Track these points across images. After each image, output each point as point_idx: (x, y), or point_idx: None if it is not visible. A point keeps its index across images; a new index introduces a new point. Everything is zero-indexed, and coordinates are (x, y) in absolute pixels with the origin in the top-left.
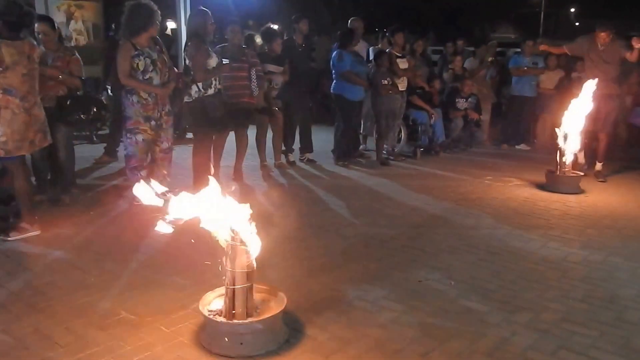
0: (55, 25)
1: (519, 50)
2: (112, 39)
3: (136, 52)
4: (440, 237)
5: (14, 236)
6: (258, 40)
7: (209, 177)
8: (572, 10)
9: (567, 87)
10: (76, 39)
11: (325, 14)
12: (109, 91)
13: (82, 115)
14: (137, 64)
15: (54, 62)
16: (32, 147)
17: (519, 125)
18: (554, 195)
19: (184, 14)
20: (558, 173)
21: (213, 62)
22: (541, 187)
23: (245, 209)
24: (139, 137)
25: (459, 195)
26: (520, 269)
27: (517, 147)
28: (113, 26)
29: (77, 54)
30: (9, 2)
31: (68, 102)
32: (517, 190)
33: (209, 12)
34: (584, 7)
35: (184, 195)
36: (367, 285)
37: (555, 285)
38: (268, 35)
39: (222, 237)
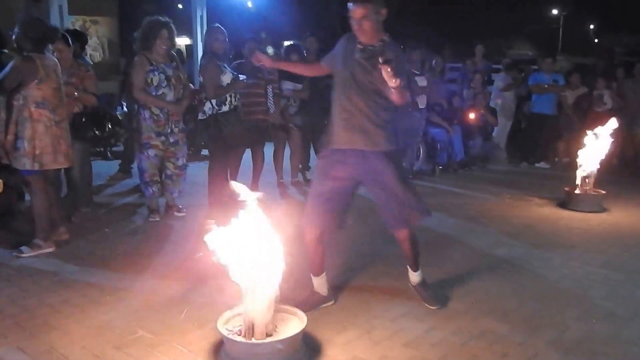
0: (70, 41)
1: (536, 67)
2: (129, 55)
3: (151, 68)
4: (459, 255)
5: (27, 253)
6: (270, 51)
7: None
8: (592, 26)
9: (587, 105)
10: (91, 55)
11: (340, 31)
12: (124, 107)
13: (96, 132)
14: (152, 79)
15: (69, 78)
16: (67, 161)
17: (538, 143)
18: (575, 213)
19: (199, 30)
20: (579, 191)
21: (227, 78)
22: (562, 205)
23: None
24: (151, 152)
25: (478, 213)
26: (540, 287)
27: (536, 165)
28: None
29: (91, 70)
30: (33, 19)
31: (83, 120)
32: (537, 209)
33: (223, 29)
34: (602, 23)
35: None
36: (387, 304)
37: (576, 304)
38: (286, 52)
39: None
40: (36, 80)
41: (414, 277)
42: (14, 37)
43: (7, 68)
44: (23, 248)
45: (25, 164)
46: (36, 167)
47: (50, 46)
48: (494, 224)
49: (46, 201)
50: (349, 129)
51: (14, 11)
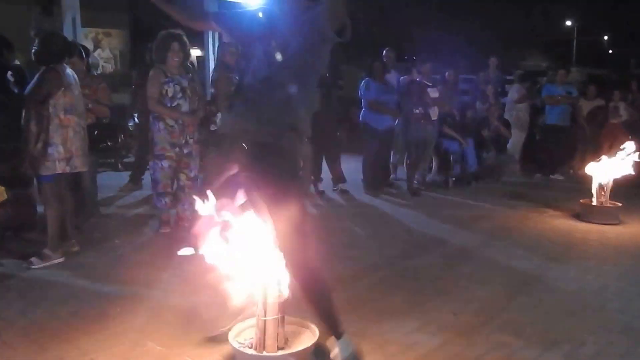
0: (83, 54)
1: (546, 78)
2: (141, 67)
3: (166, 79)
4: (473, 269)
5: (37, 264)
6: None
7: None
8: (605, 37)
9: (602, 117)
10: (103, 67)
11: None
12: (136, 118)
13: (109, 143)
14: (167, 90)
15: (82, 90)
16: (87, 165)
17: (552, 155)
18: (590, 225)
19: (211, 42)
20: (595, 203)
21: None
22: (577, 217)
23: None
24: (165, 163)
25: (492, 226)
26: (555, 300)
27: (551, 176)
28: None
29: (104, 82)
30: (53, 34)
31: (96, 132)
32: (552, 221)
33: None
34: (617, 34)
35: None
36: (399, 317)
37: (592, 317)
38: None
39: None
40: (62, 89)
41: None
42: (33, 50)
43: (35, 81)
44: (33, 259)
45: (56, 167)
46: (67, 169)
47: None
48: (508, 236)
49: (59, 211)
50: None
51: (27, 24)
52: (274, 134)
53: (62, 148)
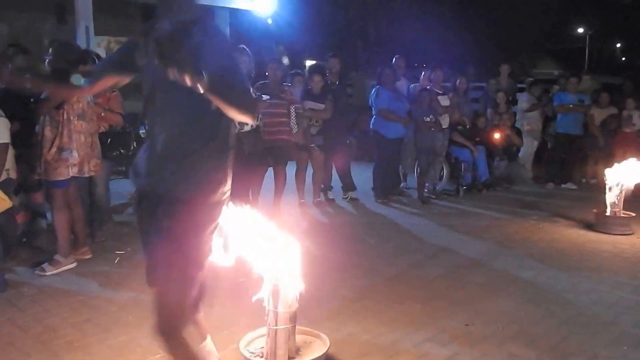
0: (96, 62)
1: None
2: None
3: None
4: (484, 279)
5: (49, 271)
6: (285, 61)
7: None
8: (618, 45)
9: (616, 125)
10: None
11: (362, 50)
12: (146, 126)
13: (122, 151)
14: None
15: (95, 98)
16: (96, 170)
17: (565, 164)
18: (603, 236)
19: None
20: (608, 213)
21: None
22: (590, 227)
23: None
24: None
25: (504, 235)
26: (568, 312)
27: (563, 185)
28: None
29: (117, 90)
30: (67, 43)
31: (109, 140)
32: (565, 231)
33: (248, 51)
34: (630, 42)
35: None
36: (410, 327)
37: (605, 331)
38: (309, 72)
39: (266, 276)
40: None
41: None
42: (47, 60)
43: None
44: (44, 266)
45: (68, 172)
46: (79, 174)
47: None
48: (520, 246)
49: (68, 216)
50: None
51: (42, 33)
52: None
53: (76, 153)
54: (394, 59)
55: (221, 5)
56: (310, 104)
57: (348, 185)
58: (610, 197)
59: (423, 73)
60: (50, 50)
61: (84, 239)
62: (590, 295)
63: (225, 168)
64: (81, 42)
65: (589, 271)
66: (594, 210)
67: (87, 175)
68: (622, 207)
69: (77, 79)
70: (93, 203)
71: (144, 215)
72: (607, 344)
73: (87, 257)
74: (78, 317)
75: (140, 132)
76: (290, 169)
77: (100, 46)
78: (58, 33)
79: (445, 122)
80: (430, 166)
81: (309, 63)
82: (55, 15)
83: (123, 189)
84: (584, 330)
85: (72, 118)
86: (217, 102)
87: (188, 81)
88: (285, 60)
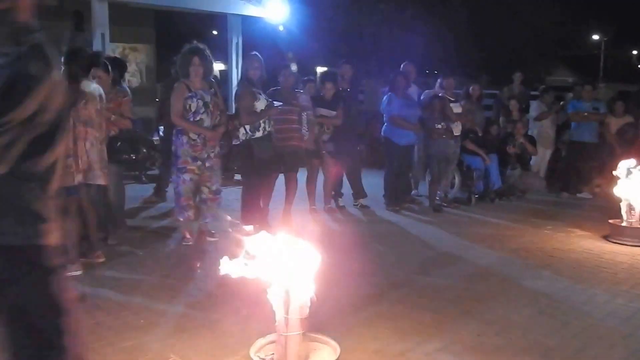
0: (109, 69)
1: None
2: (166, 81)
3: (190, 94)
4: (497, 289)
5: None
6: (294, 68)
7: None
8: (634, 52)
9: (632, 134)
10: (129, 81)
11: (374, 57)
12: (161, 132)
13: (132, 155)
14: (190, 105)
15: (107, 103)
16: (105, 179)
17: (579, 173)
18: (620, 247)
19: (235, 57)
20: (624, 224)
21: (260, 104)
22: (606, 237)
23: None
24: (187, 177)
25: (516, 245)
26: (583, 325)
27: (578, 195)
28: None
29: (129, 94)
30: (78, 48)
31: (118, 144)
32: (580, 241)
33: (260, 57)
34: None
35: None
36: (421, 336)
37: (622, 344)
38: (321, 79)
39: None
40: (83, 101)
41: None
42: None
43: None
44: None
45: (73, 179)
46: (85, 181)
47: (93, 71)
48: (534, 256)
49: (76, 224)
50: None
51: (60, 40)
52: None
53: (80, 160)
54: (402, 65)
55: (233, 13)
56: (322, 111)
57: (359, 192)
58: (625, 208)
59: (439, 80)
60: (63, 55)
61: (97, 243)
62: (606, 307)
63: None
64: (97, 49)
65: (605, 283)
66: (610, 221)
67: (92, 182)
68: (638, 217)
69: (87, 85)
70: (105, 207)
71: None
72: (623, 357)
73: (100, 260)
74: (89, 320)
75: (154, 137)
76: (301, 175)
77: (115, 53)
78: (76, 40)
79: (457, 129)
80: (442, 174)
81: (320, 69)
82: (72, 24)
83: (136, 193)
84: (599, 343)
85: (78, 125)
86: None
87: None
88: (294, 67)
